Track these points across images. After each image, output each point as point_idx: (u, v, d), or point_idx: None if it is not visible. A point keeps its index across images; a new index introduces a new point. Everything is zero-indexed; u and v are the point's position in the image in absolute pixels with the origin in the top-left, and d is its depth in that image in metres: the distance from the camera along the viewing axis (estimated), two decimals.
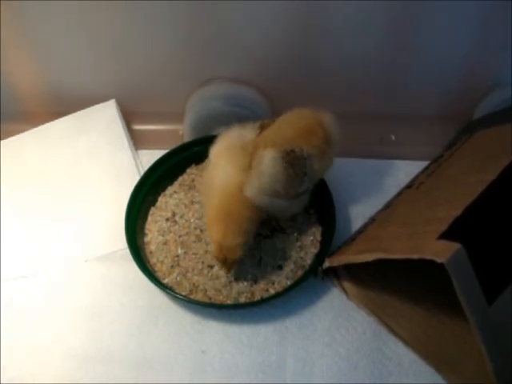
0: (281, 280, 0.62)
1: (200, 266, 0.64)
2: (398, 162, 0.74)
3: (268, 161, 0.57)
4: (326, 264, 0.61)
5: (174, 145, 0.72)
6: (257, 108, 0.73)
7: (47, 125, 0.78)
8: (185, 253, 0.65)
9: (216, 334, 0.61)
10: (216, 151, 0.60)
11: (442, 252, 0.47)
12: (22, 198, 0.72)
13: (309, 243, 0.65)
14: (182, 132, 0.77)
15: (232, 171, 0.57)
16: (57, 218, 0.70)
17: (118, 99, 0.78)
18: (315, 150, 0.59)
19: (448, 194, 0.57)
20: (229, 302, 0.61)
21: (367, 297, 0.62)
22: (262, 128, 0.60)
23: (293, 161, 0.58)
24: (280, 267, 0.63)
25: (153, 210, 0.70)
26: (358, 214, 0.69)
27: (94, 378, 0.59)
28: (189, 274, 0.63)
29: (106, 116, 0.77)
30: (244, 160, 0.57)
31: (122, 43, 0.71)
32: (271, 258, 0.64)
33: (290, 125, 0.60)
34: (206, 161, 0.62)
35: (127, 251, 0.63)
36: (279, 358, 0.60)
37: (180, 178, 0.72)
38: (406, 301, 0.61)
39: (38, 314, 0.64)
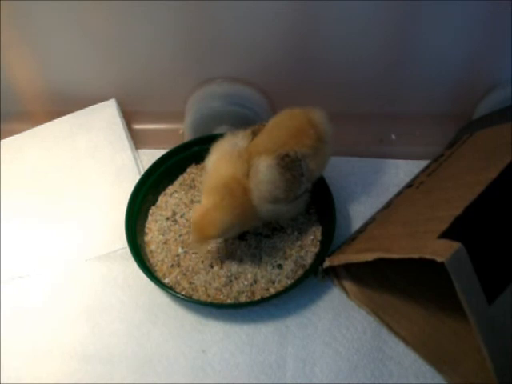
0: (281, 279, 0.62)
1: (200, 265, 0.64)
2: (399, 162, 0.74)
3: (264, 169, 0.57)
4: (327, 263, 0.61)
5: (174, 144, 0.72)
6: (257, 107, 0.73)
7: (47, 124, 0.78)
8: (185, 252, 0.65)
9: (216, 333, 0.61)
10: (213, 162, 0.60)
11: (443, 251, 0.47)
12: (22, 197, 0.72)
13: (309, 242, 0.65)
14: (182, 131, 0.77)
15: (235, 174, 0.57)
16: (57, 217, 0.70)
17: (118, 98, 0.78)
18: (309, 150, 0.59)
19: (448, 193, 0.57)
20: (229, 301, 0.61)
21: (367, 296, 0.62)
22: (254, 134, 0.60)
23: (288, 165, 0.57)
24: (280, 266, 0.63)
25: (153, 209, 0.69)
26: (359, 213, 0.69)
27: (94, 378, 0.59)
28: (189, 274, 0.63)
29: (106, 115, 0.77)
30: (241, 167, 0.57)
31: (122, 43, 0.71)
32: (271, 257, 0.64)
33: (280, 127, 0.60)
34: (205, 161, 0.61)
35: (127, 250, 0.64)
36: (279, 358, 0.60)
37: (180, 178, 0.72)
38: (407, 300, 0.61)
39: (38, 314, 0.64)
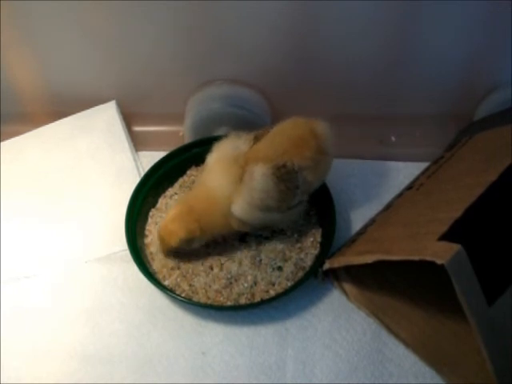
0: (281, 281, 0.62)
1: (200, 267, 0.64)
2: (398, 164, 0.74)
3: (259, 177, 0.57)
4: (327, 265, 0.61)
5: (174, 146, 0.72)
6: (257, 109, 0.72)
7: (47, 126, 0.78)
8: (185, 254, 0.65)
9: (216, 335, 0.61)
10: (211, 160, 0.61)
11: (443, 253, 0.47)
12: (23, 199, 0.72)
13: (309, 244, 0.65)
14: (183, 133, 0.77)
15: (223, 182, 0.58)
16: (57, 219, 0.70)
17: (119, 100, 0.78)
18: (308, 162, 0.59)
19: (448, 195, 0.57)
20: (229, 303, 0.61)
21: (367, 298, 0.62)
22: (256, 139, 0.60)
23: (284, 176, 0.57)
24: (280, 268, 0.63)
25: (153, 211, 0.69)
26: (358, 215, 0.69)
27: (94, 378, 0.59)
28: (189, 276, 0.63)
29: (106, 117, 0.77)
30: (235, 172, 0.58)
31: (122, 44, 0.71)
32: (271, 259, 0.64)
33: (282, 136, 0.60)
34: (204, 165, 0.62)
35: (127, 252, 0.63)
36: (279, 360, 0.60)
37: (180, 180, 0.72)
38: (407, 302, 0.61)
39: (38, 315, 0.64)
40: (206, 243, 0.64)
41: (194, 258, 0.64)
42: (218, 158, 0.60)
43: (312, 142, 0.59)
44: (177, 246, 0.60)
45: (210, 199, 0.59)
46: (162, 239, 0.61)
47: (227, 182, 0.58)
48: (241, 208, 0.58)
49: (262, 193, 0.57)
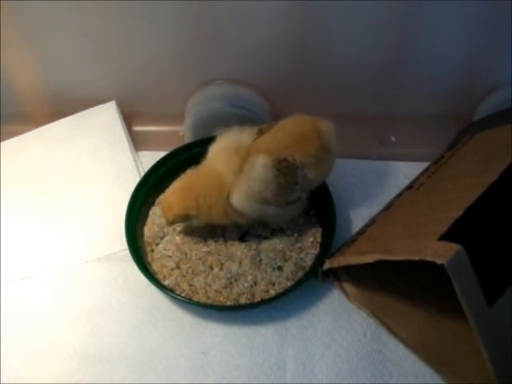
0: (281, 281, 0.62)
1: (200, 267, 0.64)
2: (399, 163, 0.74)
3: (259, 168, 0.57)
4: (327, 265, 0.61)
5: (174, 146, 0.72)
6: (257, 109, 0.72)
7: (48, 126, 0.78)
8: (185, 254, 0.65)
9: (216, 335, 0.61)
10: (213, 150, 0.61)
11: (443, 253, 0.47)
12: (23, 199, 0.72)
13: (309, 244, 0.65)
14: (183, 133, 0.77)
15: (223, 172, 0.58)
16: (57, 219, 0.70)
17: (119, 100, 0.78)
18: (310, 158, 0.59)
19: (448, 195, 0.57)
20: (229, 303, 0.61)
21: (367, 298, 0.62)
22: (260, 133, 0.60)
23: (284, 169, 0.58)
24: (280, 268, 0.63)
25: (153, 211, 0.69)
26: (358, 215, 0.69)
27: (94, 378, 0.59)
28: (189, 276, 0.63)
29: (106, 117, 0.77)
30: (235, 163, 0.58)
31: (122, 44, 0.71)
32: (271, 259, 0.64)
33: (285, 131, 0.60)
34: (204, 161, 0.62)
35: (127, 252, 0.64)
36: (279, 360, 0.60)
37: None
38: (407, 302, 0.61)
39: (39, 315, 0.64)
40: (205, 240, 0.64)
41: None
42: (219, 148, 0.60)
43: (315, 140, 0.59)
44: (174, 220, 0.61)
45: (212, 181, 0.59)
46: (162, 211, 0.62)
47: (227, 171, 0.58)
48: (238, 198, 0.58)
49: (261, 184, 0.57)
